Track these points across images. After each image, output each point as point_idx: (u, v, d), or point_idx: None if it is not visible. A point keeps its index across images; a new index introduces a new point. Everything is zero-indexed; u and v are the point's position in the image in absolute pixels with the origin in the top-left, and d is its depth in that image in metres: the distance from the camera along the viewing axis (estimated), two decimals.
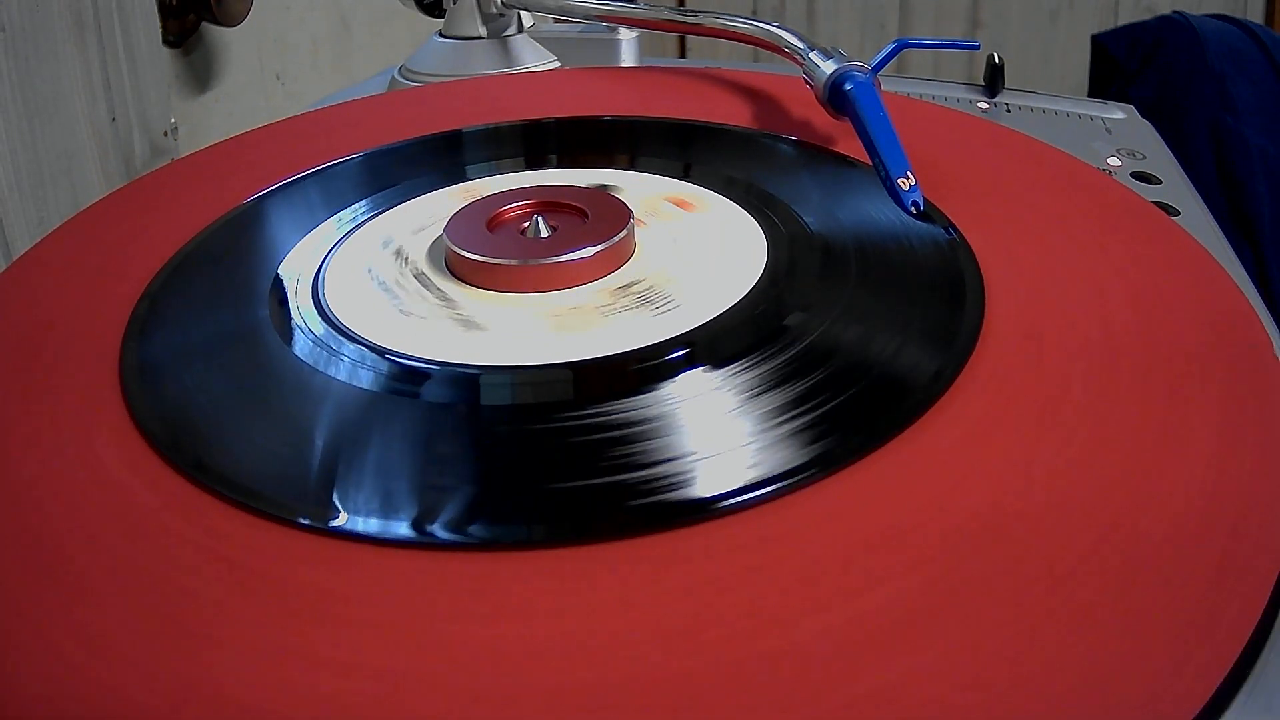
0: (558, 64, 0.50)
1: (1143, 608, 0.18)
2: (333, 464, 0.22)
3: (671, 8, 0.44)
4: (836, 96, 0.33)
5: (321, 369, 0.24)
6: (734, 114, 0.37)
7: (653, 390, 0.23)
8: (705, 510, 0.20)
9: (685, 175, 0.33)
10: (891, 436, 0.21)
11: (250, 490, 0.21)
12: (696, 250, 0.28)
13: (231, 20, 0.57)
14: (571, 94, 0.41)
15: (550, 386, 0.23)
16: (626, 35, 0.53)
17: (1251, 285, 0.31)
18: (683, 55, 1.26)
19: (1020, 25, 1.32)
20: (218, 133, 0.60)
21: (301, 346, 0.25)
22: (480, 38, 0.48)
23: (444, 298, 0.27)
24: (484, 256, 0.27)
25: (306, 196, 0.33)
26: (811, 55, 0.34)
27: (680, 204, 0.29)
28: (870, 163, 0.31)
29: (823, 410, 0.22)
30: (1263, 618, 0.18)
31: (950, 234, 0.28)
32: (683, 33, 0.44)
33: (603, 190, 0.30)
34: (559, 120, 0.38)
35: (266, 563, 0.20)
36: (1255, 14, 1.29)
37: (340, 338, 0.25)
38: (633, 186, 0.32)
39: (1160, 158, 0.42)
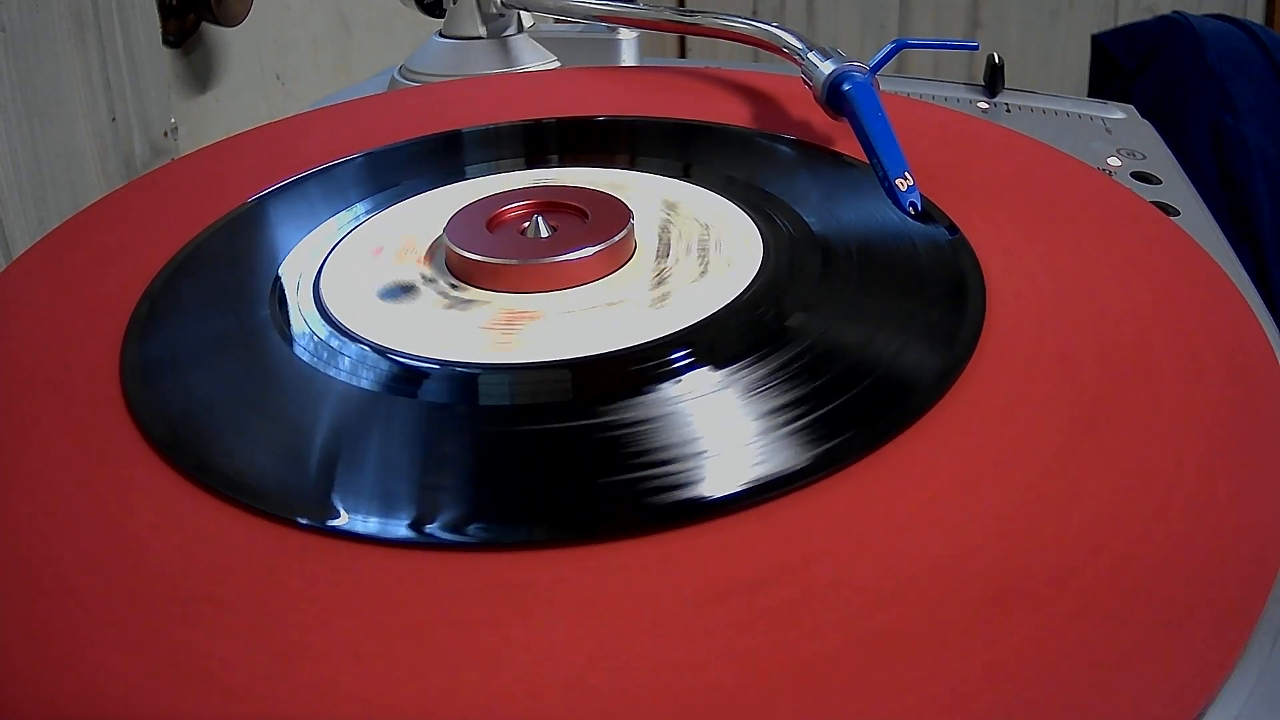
0: (558, 64, 0.50)
1: (1143, 606, 0.18)
2: (333, 464, 0.22)
3: (671, 8, 0.44)
4: (835, 97, 0.33)
5: (322, 369, 0.24)
6: (734, 114, 0.37)
7: (653, 390, 0.23)
8: (707, 510, 0.20)
9: (685, 175, 0.33)
10: (893, 436, 0.21)
11: (251, 490, 0.21)
12: (697, 250, 0.28)
13: (231, 20, 0.57)
14: (571, 94, 0.41)
15: (550, 386, 0.23)
16: (626, 35, 0.53)
17: (1251, 285, 0.31)
18: (683, 55, 1.26)
19: (1020, 25, 1.32)
20: (218, 133, 0.60)
21: (302, 346, 0.25)
22: (480, 38, 0.48)
23: (444, 297, 0.27)
24: (484, 256, 0.27)
25: (306, 196, 0.33)
26: (810, 55, 0.34)
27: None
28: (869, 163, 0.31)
29: (824, 410, 0.22)
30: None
31: (951, 234, 0.28)
32: (682, 33, 0.44)
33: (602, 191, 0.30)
34: (559, 120, 0.38)
35: (267, 563, 0.20)
36: (1255, 14, 1.29)
37: (340, 337, 0.25)
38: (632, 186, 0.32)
39: (1160, 158, 0.42)
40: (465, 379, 0.24)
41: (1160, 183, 0.40)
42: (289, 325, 0.26)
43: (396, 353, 0.25)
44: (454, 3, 0.48)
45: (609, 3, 0.45)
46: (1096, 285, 0.26)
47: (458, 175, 0.34)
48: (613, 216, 0.28)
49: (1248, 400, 0.23)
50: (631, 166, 0.34)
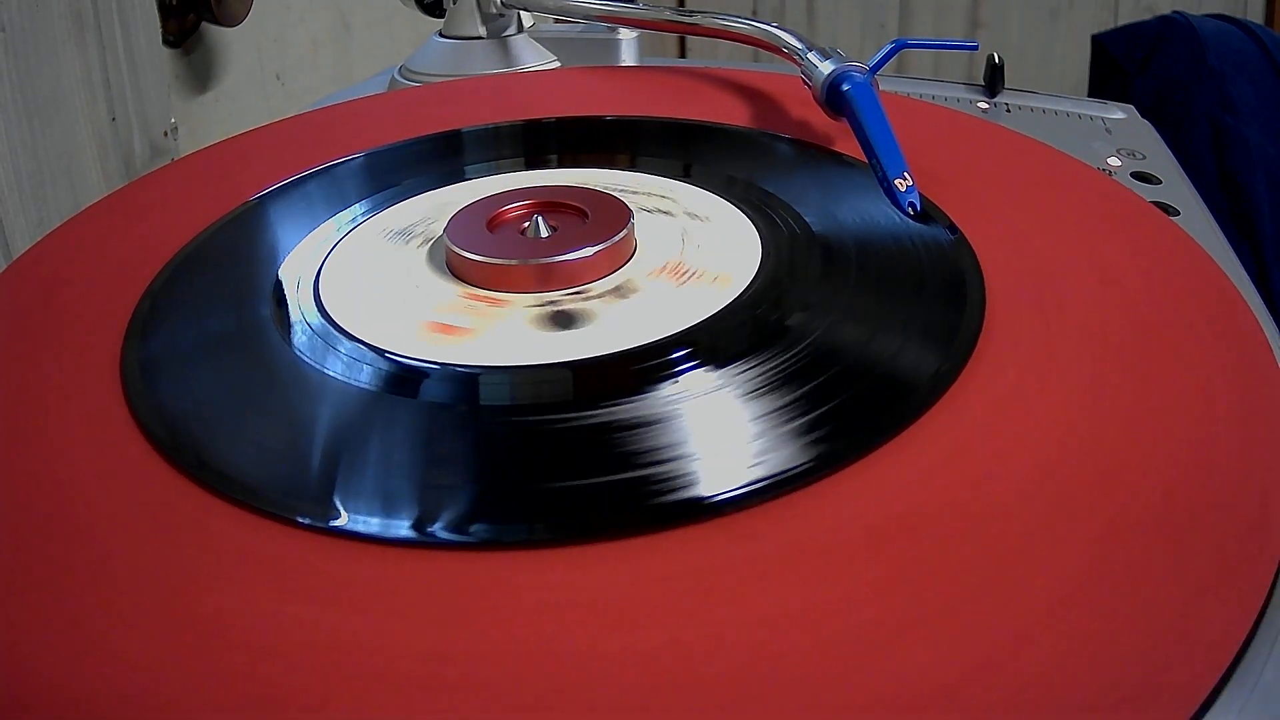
0: (558, 64, 0.50)
1: (1144, 603, 0.18)
2: (333, 464, 0.22)
3: (671, 8, 0.44)
4: (834, 97, 0.33)
5: (321, 369, 0.24)
6: (734, 114, 0.37)
7: (653, 390, 0.23)
8: (707, 509, 0.20)
9: (685, 175, 0.33)
10: (893, 435, 0.21)
11: (251, 490, 0.21)
12: (697, 249, 0.28)
13: (231, 20, 0.57)
14: (571, 94, 0.41)
15: (550, 386, 0.23)
16: (626, 35, 0.53)
17: (1251, 285, 0.31)
18: (683, 55, 1.26)
19: (1020, 25, 1.32)
20: (218, 133, 0.60)
21: (302, 346, 0.25)
22: (480, 38, 0.48)
23: (444, 297, 0.27)
24: (484, 256, 0.27)
25: (306, 196, 0.33)
26: (809, 55, 0.34)
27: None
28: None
29: (824, 409, 0.22)
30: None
31: (951, 234, 0.28)
32: (682, 33, 0.44)
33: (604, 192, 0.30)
34: (559, 120, 0.38)
35: (267, 563, 0.20)
36: (1255, 14, 1.29)
37: (340, 337, 0.25)
38: (633, 187, 0.32)
39: (1160, 158, 0.42)
40: (466, 379, 0.24)
41: (1160, 183, 0.40)
42: (289, 325, 0.26)
43: (396, 353, 0.25)
44: (454, 3, 0.48)
45: (609, 3, 0.45)
46: (1096, 286, 0.26)
47: (458, 175, 0.34)
48: (613, 216, 0.28)
49: (1247, 400, 0.23)
50: (631, 166, 0.34)
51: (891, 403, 0.22)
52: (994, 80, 0.49)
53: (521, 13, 0.49)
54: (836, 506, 0.20)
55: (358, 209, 0.32)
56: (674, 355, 0.24)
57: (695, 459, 0.21)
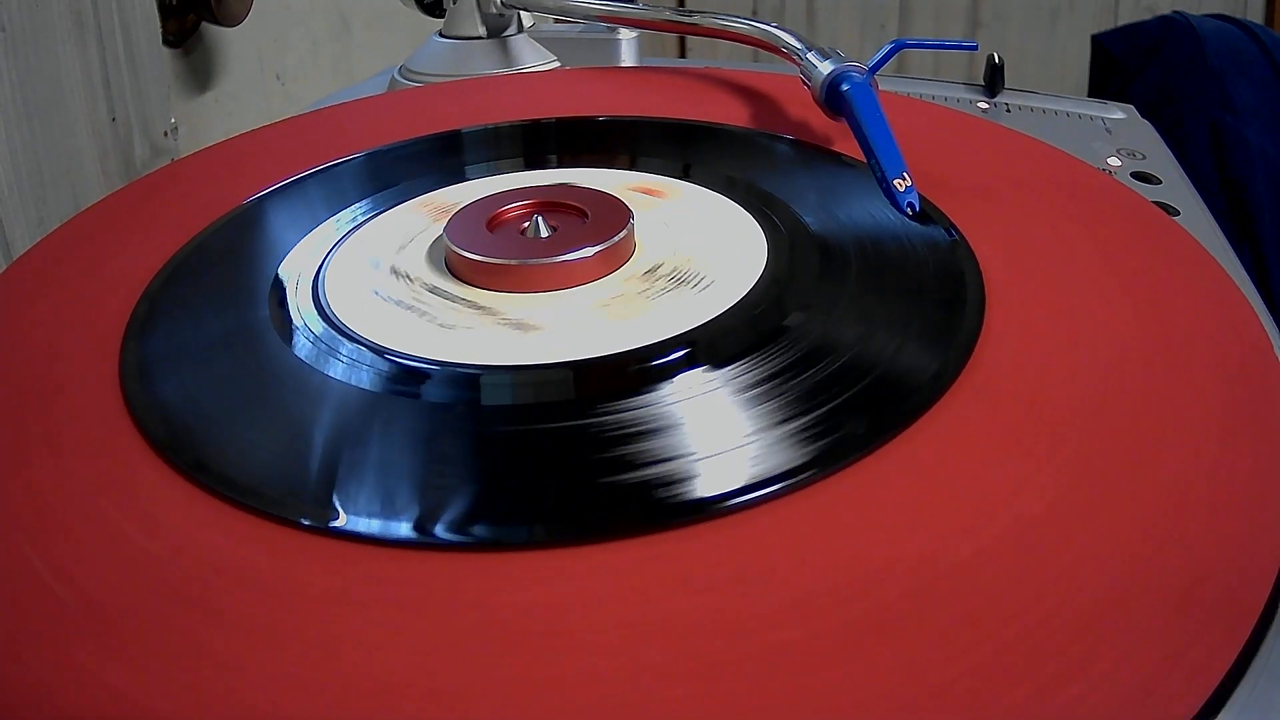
0: (558, 64, 0.50)
1: (1140, 611, 0.18)
2: (333, 464, 0.22)
3: (671, 8, 0.44)
4: (833, 97, 0.33)
5: (321, 369, 0.24)
6: (733, 114, 0.37)
7: (653, 390, 0.23)
8: (705, 510, 0.20)
9: (685, 175, 0.33)
10: (892, 436, 0.21)
11: (250, 491, 0.21)
12: (697, 250, 0.28)
13: (231, 20, 0.57)
14: (571, 94, 0.41)
15: (550, 386, 0.23)
16: (626, 35, 0.53)
17: (1251, 285, 0.31)
18: (683, 55, 1.26)
19: (1020, 25, 1.32)
20: (218, 133, 0.60)
21: (301, 346, 0.25)
22: (480, 38, 0.48)
23: (443, 298, 0.27)
24: (484, 256, 0.27)
25: (306, 196, 0.33)
26: (809, 56, 0.34)
27: (648, 191, 0.31)
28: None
29: (823, 410, 0.22)
30: (1262, 616, 0.18)
31: (950, 234, 0.28)
32: (682, 33, 0.44)
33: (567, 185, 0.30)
34: (559, 120, 0.38)
35: (267, 564, 0.20)
36: (1255, 14, 1.29)
37: (340, 338, 0.25)
38: (594, 182, 0.32)
39: (1160, 158, 0.42)
40: (466, 379, 0.24)
41: (1160, 183, 0.40)
42: (289, 325, 0.26)
43: (396, 353, 0.25)
44: (454, 3, 0.48)
45: (609, 3, 0.45)
46: (1096, 286, 0.26)
47: (458, 175, 0.34)
48: (613, 216, 0.28)
49: (1248, 401, 0.23)
50: (631, 166, 0.34)
51: (891, 403, 0.22)
52: (994, 80, 0.49)
53: (521, 13, 0.49)
54: (834, 508, 0.20)
55: (358, 209, 0.32)
56: (673, 356, 0.24)
57: (695, 459, 0.21)
